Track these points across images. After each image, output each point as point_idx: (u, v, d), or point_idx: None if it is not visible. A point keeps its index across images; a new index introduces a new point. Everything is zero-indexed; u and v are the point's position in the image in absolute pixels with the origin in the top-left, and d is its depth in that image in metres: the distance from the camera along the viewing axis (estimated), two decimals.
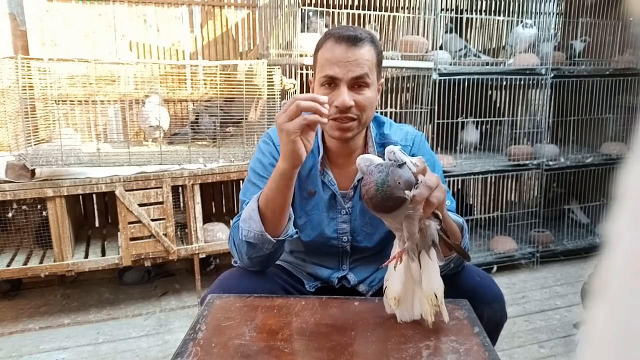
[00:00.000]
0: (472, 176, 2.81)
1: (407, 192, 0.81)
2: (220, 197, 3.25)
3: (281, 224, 1.05)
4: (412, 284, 0.89)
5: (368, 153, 1.19)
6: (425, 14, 2.62)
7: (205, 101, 2.69)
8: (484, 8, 3.27)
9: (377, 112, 1.31)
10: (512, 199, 3.45)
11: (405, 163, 0.83)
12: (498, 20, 3.05)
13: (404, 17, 2.66)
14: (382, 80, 1.19)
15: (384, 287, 0.92)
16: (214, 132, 2.48)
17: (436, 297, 0.86)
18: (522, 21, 2.82)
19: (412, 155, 1.20)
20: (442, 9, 2.70)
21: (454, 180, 2.92)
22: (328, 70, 1.08)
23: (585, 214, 3.24)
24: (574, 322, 2.26)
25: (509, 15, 2.99)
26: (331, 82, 1.09)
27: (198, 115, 2.54)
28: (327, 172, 1.19)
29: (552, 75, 2.86)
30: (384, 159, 0.88)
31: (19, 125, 2.14)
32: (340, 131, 1.10)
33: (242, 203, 1.16)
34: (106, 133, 2.76)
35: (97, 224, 3.00)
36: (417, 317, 0.89)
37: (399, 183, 0.81)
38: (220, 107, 2.47)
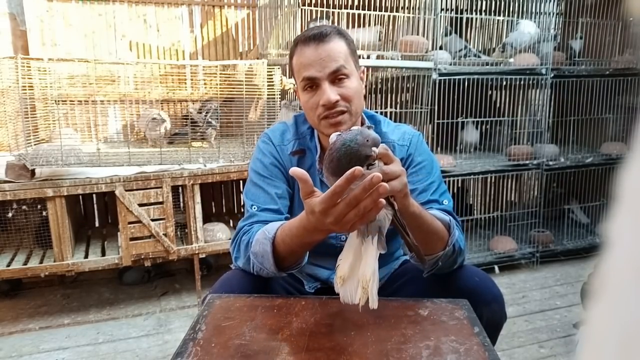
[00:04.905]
0: (472, 176, 2.81)
1: (374, 149, 0.83)
2: (220, 197, 3.25)
3: (299, 260, 1.06)
4: (359, 266, 0.91)
5: None
6: (425, 14, 2.62)
7: (205, 101, 2.68)
8: (484, 8, 3.27)
9: (377, 111, 1.31)
10: (512, 199, 3.45)
11: (373, 126, 0.85)
12: (498, 20, 3.05)
13: (404, 17, 2.66)
14: (363, 67, 1.19)
15: (336, 265, 0.93)
16: (206, 131, 2.48)
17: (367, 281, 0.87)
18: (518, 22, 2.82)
19: (409, 155, 1.21)
20: (442, 9, 2.70)
21: (454, 180, 2.92)
22: (304, 73, 1.09)
23: (585, 214, 3.23)
24: (574, 322, 2.26)
25: (509, 15, 2.99)
26: (312, 84, 1.10)
27: (192, 117, 2.54)
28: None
29: (552, 75, 2.85)
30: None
31: (19, 125, 2.13)
32: (333, 127, 1.10)
33: (247, 205, 1.16)
34: (106, 133, 2.76)
35: (97, 224, 3.00)
36: (357, 302, 0.89)
37: (367, 141, 0.83)
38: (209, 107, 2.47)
